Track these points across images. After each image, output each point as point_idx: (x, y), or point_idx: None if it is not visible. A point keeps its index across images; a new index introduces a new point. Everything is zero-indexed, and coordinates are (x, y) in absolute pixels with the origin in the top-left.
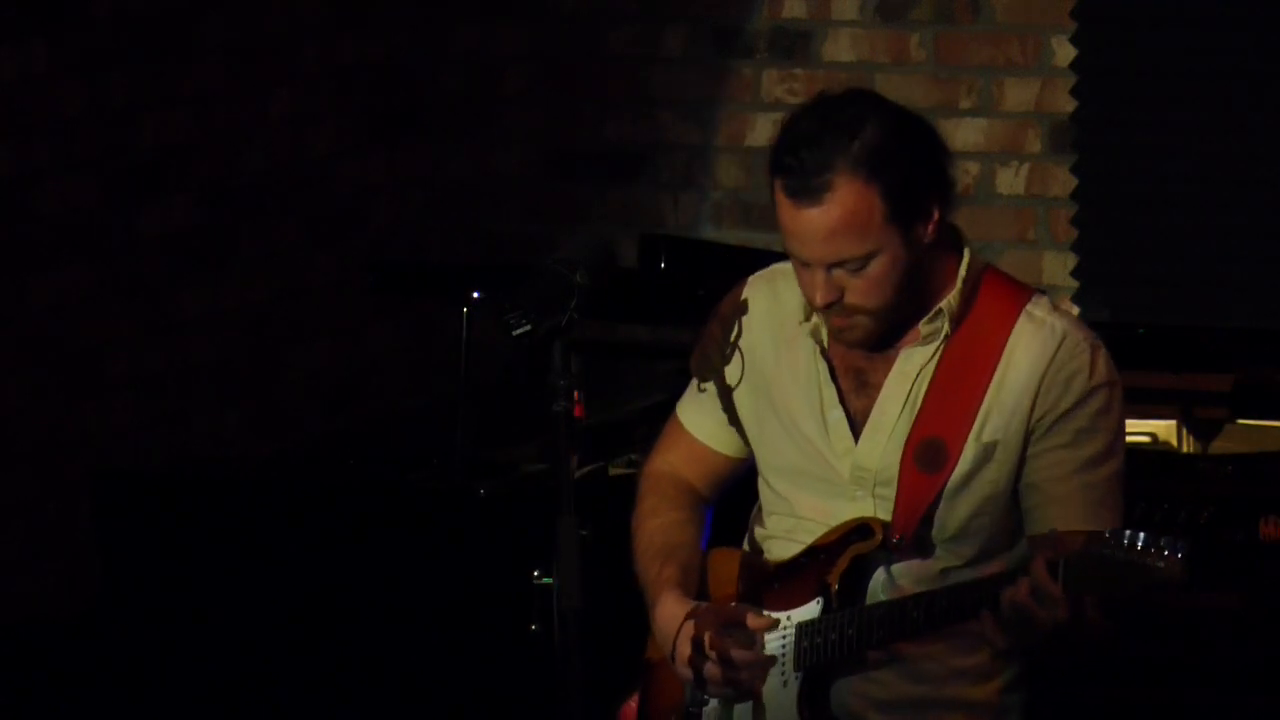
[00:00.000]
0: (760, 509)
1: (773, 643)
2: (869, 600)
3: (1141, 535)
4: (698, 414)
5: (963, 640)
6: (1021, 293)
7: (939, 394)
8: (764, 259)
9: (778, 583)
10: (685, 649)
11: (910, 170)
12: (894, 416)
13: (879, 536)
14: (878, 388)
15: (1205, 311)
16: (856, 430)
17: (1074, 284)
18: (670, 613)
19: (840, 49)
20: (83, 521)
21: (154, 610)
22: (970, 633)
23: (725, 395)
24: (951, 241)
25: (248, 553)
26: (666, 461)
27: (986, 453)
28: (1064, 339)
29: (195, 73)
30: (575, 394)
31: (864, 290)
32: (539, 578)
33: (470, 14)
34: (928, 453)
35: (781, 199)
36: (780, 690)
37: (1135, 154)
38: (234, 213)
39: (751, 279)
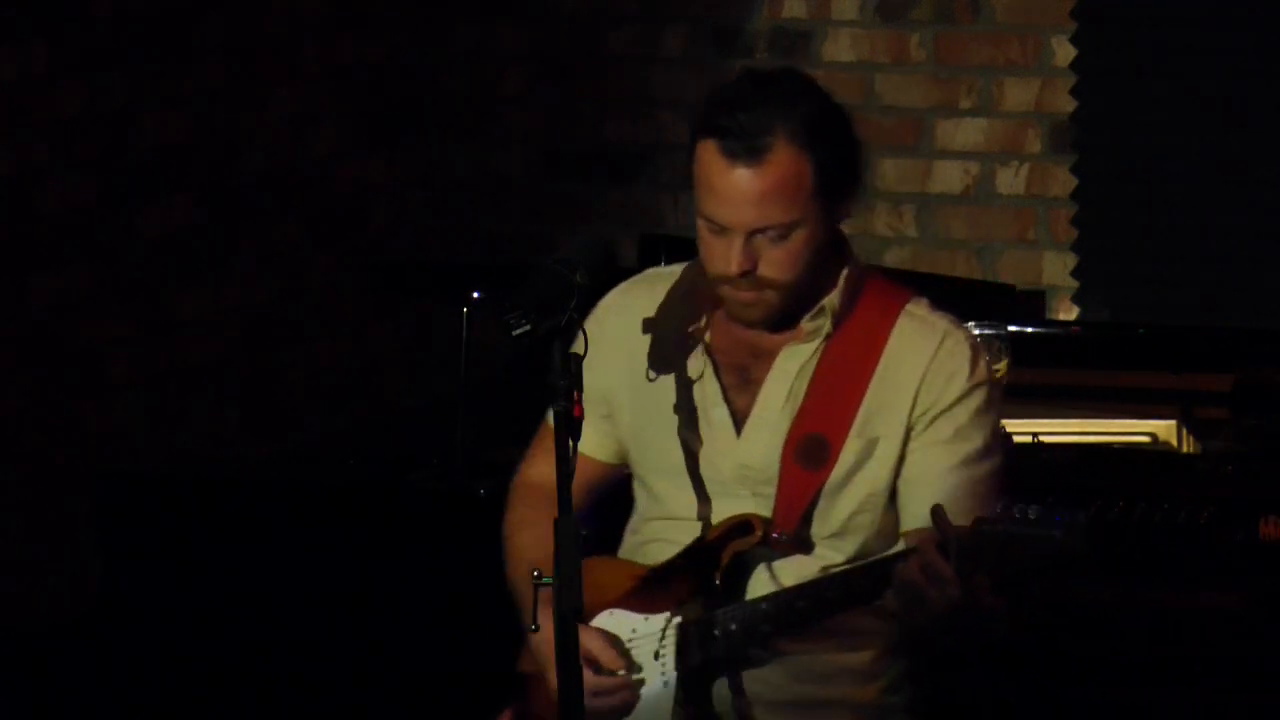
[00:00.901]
0: (635, 517)
1: (649, 644)
2: (749, 598)
3: (1033, 507)
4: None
5: (847, 639)
6: (902, 293)
7: (820, 391)
8: None
9: (657, 584)
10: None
11: (840, 151)
12: (775, 413)
13: (759, 533)
14: (759, 385)
15: (1205, 311)
16: (739, 428)
17: (1074, 284)
18: (547, 629)
19: (840, 49)
20: (83, 521)
21: (154, 610)
22: (855, 630)
23: (603, 400)
24: (838, 242)
25: (248, 553)
26: (538, 471)
27: (868, 450)
28: (945, 337)
29: (195, 73)
30: (575, 394)
31: (779, 263)
32: (539, 578)
33: (470, 14)
34: (809, 449)
35: (713, 160)
36: (661, 690)
37: (1135, 154)
38: (234, 213)
39: (624, 284)
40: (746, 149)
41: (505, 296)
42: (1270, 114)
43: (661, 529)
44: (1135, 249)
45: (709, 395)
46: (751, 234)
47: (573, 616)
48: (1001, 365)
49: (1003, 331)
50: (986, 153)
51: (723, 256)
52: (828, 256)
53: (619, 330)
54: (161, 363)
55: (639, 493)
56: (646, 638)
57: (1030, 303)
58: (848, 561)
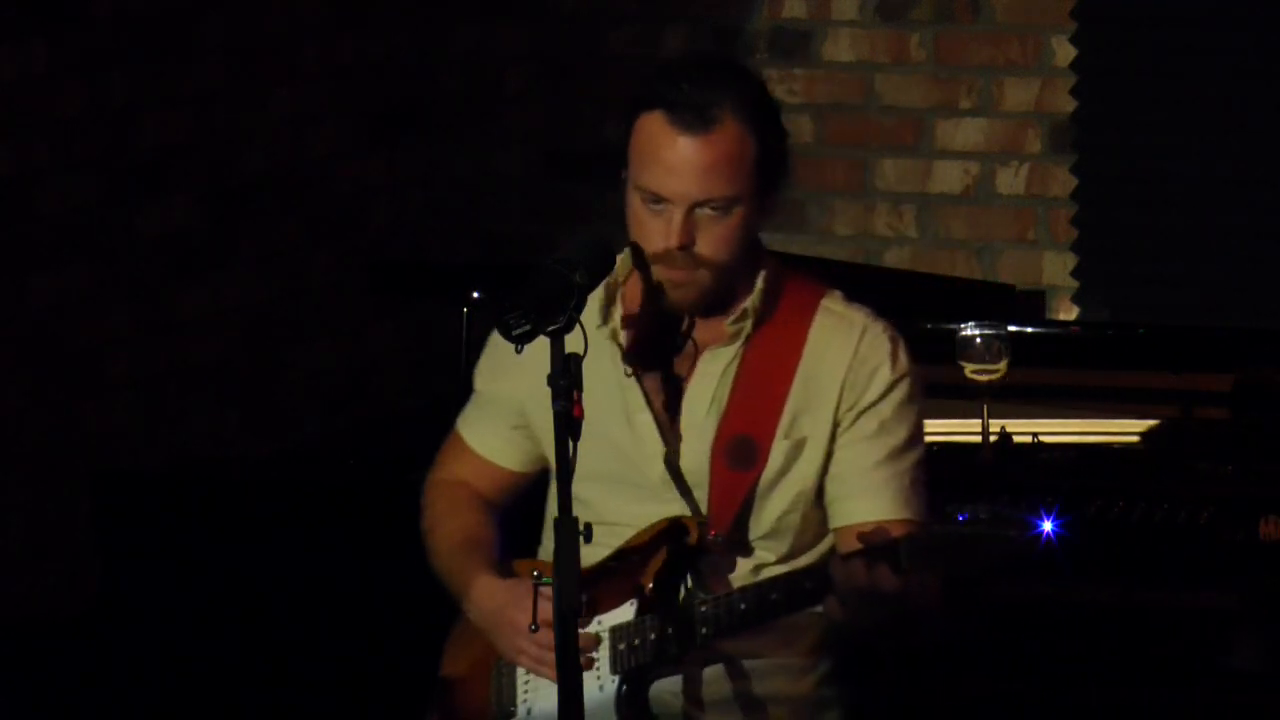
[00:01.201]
0: (550, 525)
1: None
2: (682, 599)
3: (983, 508)
4: (481, 429)
5: (781, 635)
6: (817, 289)
7: (744, 392)
8: None
9: (587, 587)
10: (518, 615)
11: (775, 137)
12: (701, 416)
13: (694, 535)
14: (683, 388)
15: (1205, 311)
16: (664, 432)
17: (1074, 284)
18: (489, 589)
19: (840, 49)
20: (83, 521)
21: (154, 610)
22: (788, 627)
23: (516, 410)
24: (757, 244)
25: (248, 553)
26: (450, 473)
27: (796, 449)
28: (864, 331)
29: (195, 73)
30: (575, 394)
31: (717, 240)
32: (538, 577)
33: (470, 14)
34: (738, 451)
35: (659, 130)
36: (597, 694)
37: (1135, 154)
38: (234, 213)
39: None
40: (696, 118)
41: (505, 296)
42: (1270, 114)
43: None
44: (1135, 249)
45: (631, 401)
46: (693, 208)
47: (572, 616)
48: (1001, 365)
49: (1003, 331)
50: (986, 153)
51: (661, 231)
52: (748, 257)
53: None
54: (161, 363)
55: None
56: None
57: (1030, 303)
58: (780, 560)
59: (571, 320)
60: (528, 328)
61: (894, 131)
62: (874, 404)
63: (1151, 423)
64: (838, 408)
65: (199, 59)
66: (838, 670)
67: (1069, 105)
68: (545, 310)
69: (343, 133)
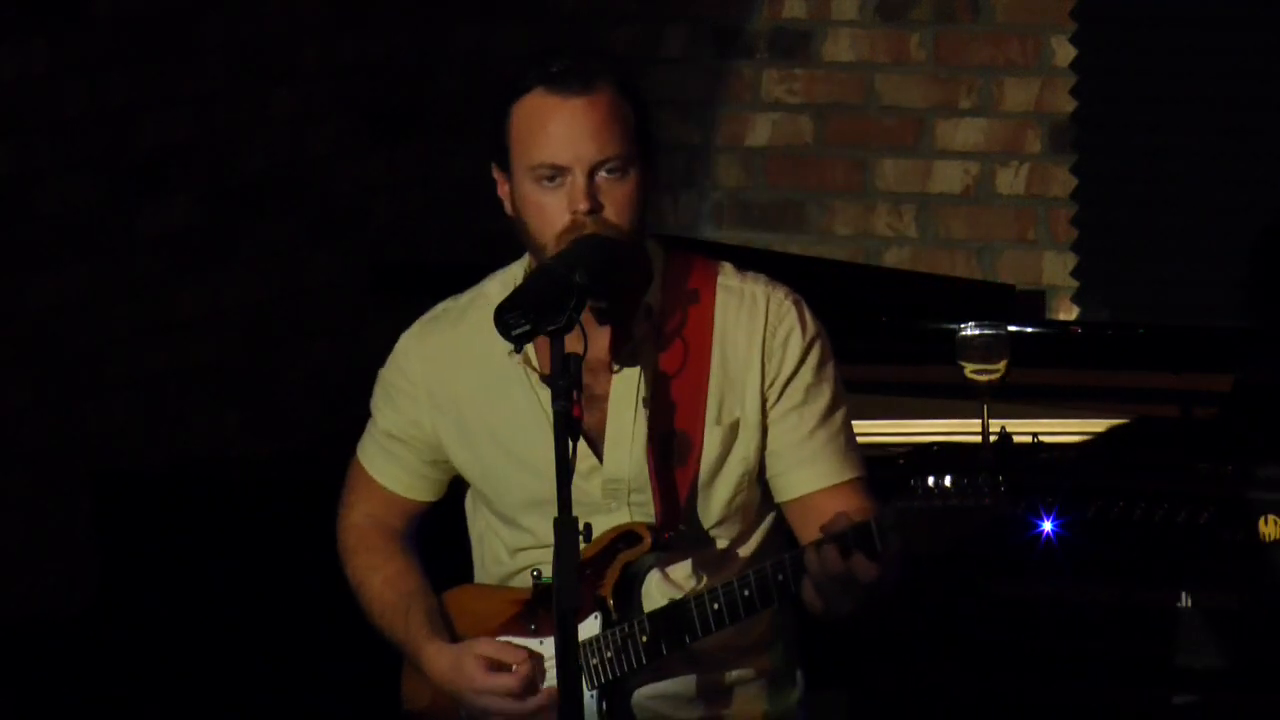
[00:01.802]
0: (499, 548)
1: (551, 666)
2: (646, 604)
3: (949, 478)
4: (387, 464)
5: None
6: (708, 265)
7: (666, 389)
8: (764, 259)
9: (543, 607)
10: (481, 677)
11: (648, 115)
12: (629, 423)
13: (648, 539)
14: (605, 399)
15: (1205, 311)
16: (596, 447)
17: (1074, 284)
18: (444, 660)
19: (840, 49)
20: (83, 521)
21: (154, 610)
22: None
23: (426, 444)
24: (647, 225)
25: (247, 553)
26: (363, 513)
27: (730, 434)
28: (768, 302)
29: (195, 73)
30: (575, 394)
31: (621, 204)
32: (538, 577)
33: (470, 14)
34: (673, 449)
35: (542, 102)
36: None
37: (1135, 154)
38: (234, 213)
39: (414, 331)
40: (576, 80)
41: (505, 296)
42: (1270, 114)
43: (535, 558)
44: (1135, 249)
45: (547, 423)
46: (592, 170)
47: (572, 617)
48: (1001, 365)
49: (1003, 331)
50: (986, 153)
51: (564, 203)
52: (641, 252)
53: (427, 375)
54: (161, 363)
55: (497, 527)
56: (547, 660)
57: (1030, 303)
58: (735, 541)
59: (571, 320)
60: (527, 328)
61: (894, 131)
62: (795, 372)
63: (1151, 423)
64: (761, 384)
65: (199, 59)
66: (790, 640)
67: (1069, 105)
68: (545, 310)
69: (343, 133)
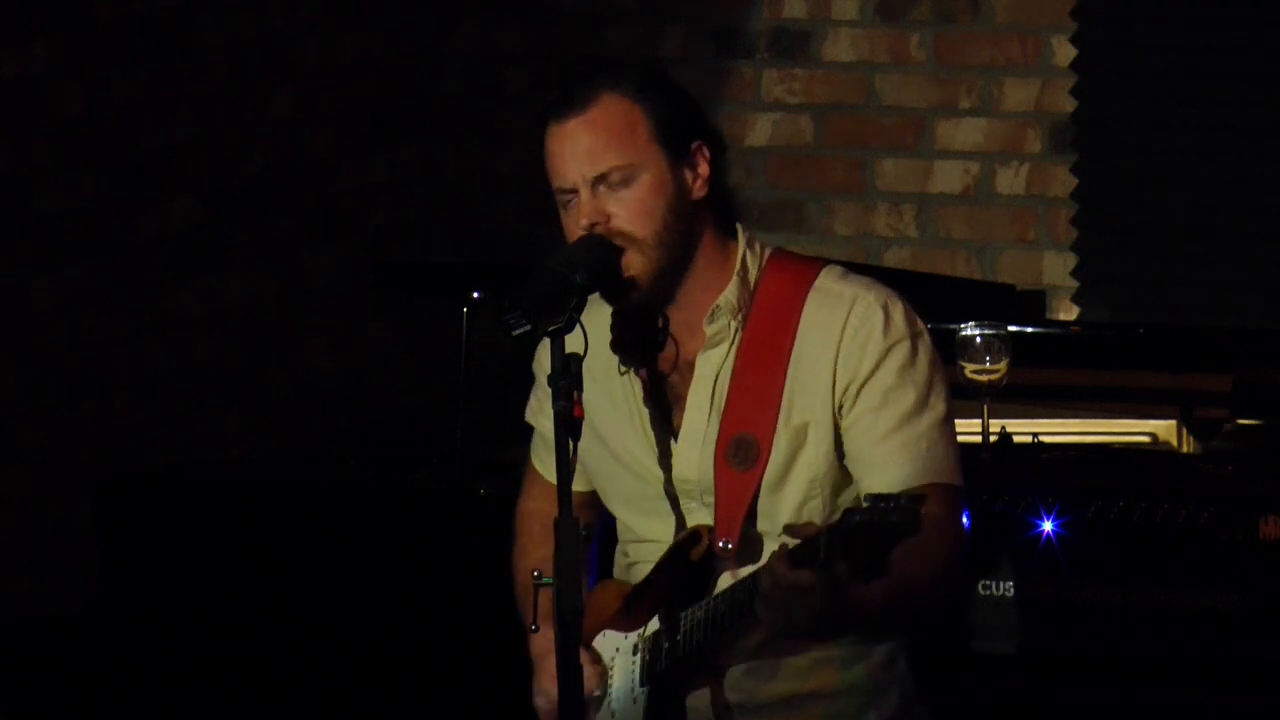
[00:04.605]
0: (618, 546)
1: (624, 662)
2: (684, 612)
3: (899, 494)
4: (548, 458)
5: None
6: (810, 268)
7: (740, 390)
8: None
9: (636, 602)
10: (548, 681)
11: (676, 105)
12: (702, 423)
13: (705, 542)
14: (684, 398)
15: (1205, 311)
16: (670, 445)
17: (1074, 284)
18: (538, 647)
19: (840, 49)
20: (83, 521)
21: (154, 610)
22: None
23: None
24: (726, 234)
25: (247, 553)
26: (531, 500)
27: (799, 437)
28: (853, 304)
29: (195, 73)
30: (575, 394)
31: (629, 209)
32: (539, 578)
33: (470, 14)
34: (738, 451)
35: (550, 131)
36: (630, 707)
37: (1135, 154)
38: (234, 213)
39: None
40: (573, 102)
41: (505, 296)
42: (1270, 114)
43: (638, 551)
44: (1135, 249)
45: (639, 421)
46: (594, 185)
47: (572, 616)
48: (1001, 365)
49: (1003, 331)
50: (986, 153)
51: (578, 221)
52: (713, 251)
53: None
54: (161, 363)
55: (617, 520)
56: (626, 654)
57: (1030, 303)
58: None
59: (572, 320)
60: (528, 328)
61: (894, 131)
62: (871, 374)
63: (1151, 423)
64: (834, 387)
65: (199, 59)
66: (896, 653)
67: (1069, 105)
68: (545, 310)
69: (343, 133)
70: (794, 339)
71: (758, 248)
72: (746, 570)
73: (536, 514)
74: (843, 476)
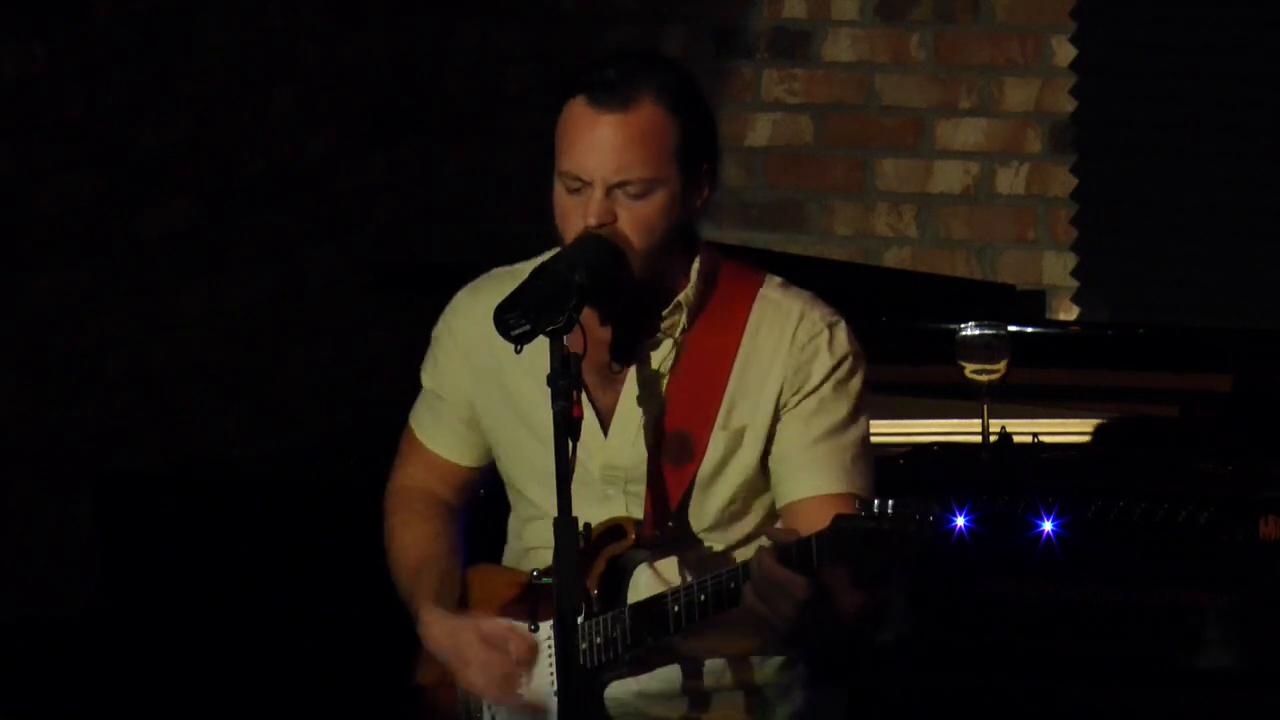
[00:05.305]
0: (514, 520)
1: (540, 654)
2: (632, 597)
3: (891, 503)
4: (434, 427)
5: (736, 628)
6: (753, 276)
7: (681, 387)
8: (764, 259)
9: (539, 591)
10: (474, 651)
11: (701, 125)
12: (639, 413)
13: (632, 536)
14: (622, 383)
15: (1205, 311)
16: (606, 428)
17: (1074, 284)
18: (442, 626)
19: (840, 49)
20: (83, 521)
21: (154, 610)
22: (742, 620)
23: (464, 404)
24: (690, 238)
25: (247, 553)
26: (409, 476)
27: (735, 439)
28: (801, 318)
29: (195, 73)
30: (575, 394)
31: (637, 221)
32: (538, 578)
33: (471, 14)
34: (675, 447)
35: (580, 112)
36: (551, 699)
37: (1135, 154)
38: (234, 213)
39: (469, 288)
40: (615, 98)
41: (505, 296)
42: (1270, 114)
43: (540, 530)
44: (1135, 249)
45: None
46: (611, 188)
47: (572, 616)
48: (1001, 365)
49: (1003, 331)
50: (986, 153)
51: (580, 214)
52: (680, 249)
53: (469, 333)
54: (161, 363)
55: (512, 495)
56: (542, 643)
57: (1030, 303)
58: (730, 548)
59: (571, 320)
60: (527, 328)
61: (894, 131)
62: (815, 389)
63: (1151, 423)
64: (779, 397)
65: (199, 59)
66: (801, 654)
67: (1069, 105)
68: (545, 310)
69: (343, 133)
70: (739, 345)
71: (712, 254)
72: (665, 564)
73: (416, 490)
74: (764, 481)
